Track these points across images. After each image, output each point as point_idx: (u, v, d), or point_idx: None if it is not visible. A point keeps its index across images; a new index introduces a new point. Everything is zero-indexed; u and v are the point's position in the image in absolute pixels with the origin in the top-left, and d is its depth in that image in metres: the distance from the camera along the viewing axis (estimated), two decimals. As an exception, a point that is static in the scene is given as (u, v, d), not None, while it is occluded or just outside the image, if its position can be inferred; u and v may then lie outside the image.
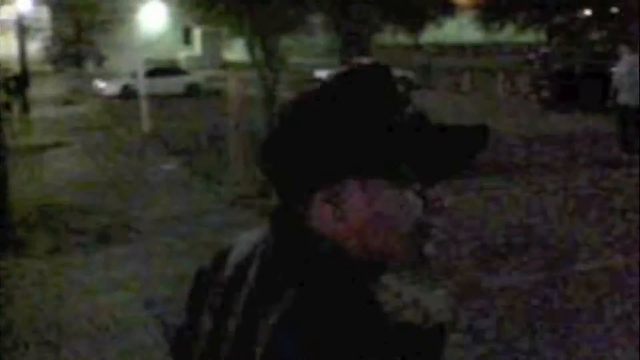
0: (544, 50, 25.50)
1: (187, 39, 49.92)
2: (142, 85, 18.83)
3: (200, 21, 35.32)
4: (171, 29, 48.08)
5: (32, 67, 30.32)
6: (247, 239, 1.12)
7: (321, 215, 1.02)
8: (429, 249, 1.06)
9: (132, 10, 45.79)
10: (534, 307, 5.74)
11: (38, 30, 40.94)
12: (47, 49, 43.95)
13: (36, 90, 27.40)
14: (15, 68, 25.30)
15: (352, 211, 1.01)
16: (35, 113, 23.19)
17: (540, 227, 8.15)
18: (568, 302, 5.86)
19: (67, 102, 26.88)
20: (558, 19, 42.39)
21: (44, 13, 43.03)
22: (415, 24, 47.01)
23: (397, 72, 33.93)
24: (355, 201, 1.01)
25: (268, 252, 1.04)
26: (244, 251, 1.09)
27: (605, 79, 14.58)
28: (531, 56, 27.27)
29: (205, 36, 47.13)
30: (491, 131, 1.06)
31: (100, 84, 29.80)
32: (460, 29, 53.63)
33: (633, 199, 9.16)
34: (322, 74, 34.44)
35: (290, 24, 36.89)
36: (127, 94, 26.53)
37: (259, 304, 0.99)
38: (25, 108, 23.61)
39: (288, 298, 0.95)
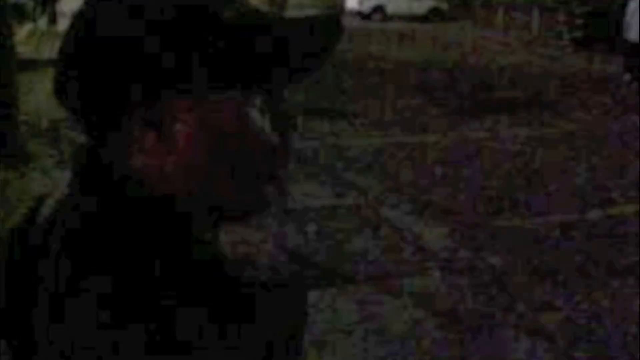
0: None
1: None
2: None
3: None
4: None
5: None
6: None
7: (136, 146, 0.77)
8: (270, 188, 0.83)
9: None
10: (538, 252, 5.66)
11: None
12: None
13: (65, 3, 27.21)
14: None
15: (179, 137, 0.77)
16: (62, 26, 23.07)
17: (552, 169, 8.01)
18: (574, 249, 5.77)
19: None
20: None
21: None
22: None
23: (430, 2, 33.29)
24: (184, 122, 0.77)
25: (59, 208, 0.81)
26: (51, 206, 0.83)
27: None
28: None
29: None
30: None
31: None
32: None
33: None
34: (353, 1, 33.84)
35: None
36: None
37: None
38: (53, 20, 23.50)
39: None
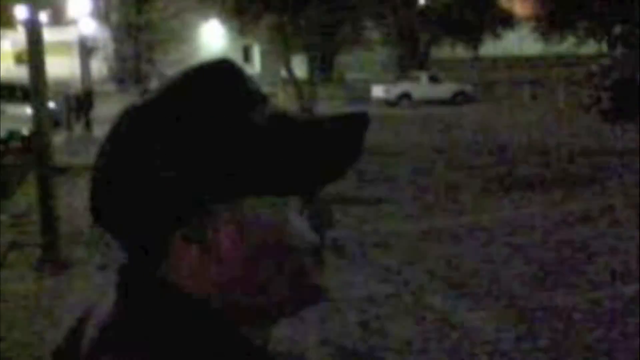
0: (605, 61, 24.89)
1: (246, 56, 50.46)
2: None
3: (258, 38, 35.55)
4: (231, 47, 48.69)
5: (96, 87, 31.01)
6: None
7: (181, 262, 0.77)
8: (318, 277, 0.82)
9: (192, 28, 46.52)
10: (586, 330, 5.53)
11: (98, 49, 41.89)
12: (110, 68, 44.92)
13: (99, 109, 27.96)
14: (79, 88, 25.93)
15: (224, 250, 0.76)
16: (98, 132, 23.63)
17: (598, 244, 7.89)
18: (620, 325, 5.63)
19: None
20: (618, 29, 41.44)
21: (106, 33, 44.02)
22: (474, 37, 46.58)
23: (455, 86, 33.68)
24: (227, 235, 0.76)
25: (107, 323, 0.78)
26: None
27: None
28: (593, 67, 26.75)
29: (264, 54, 47.56)
30: (369, 121, 0.82)
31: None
32: (519, 41, 52.90)
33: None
34: (379, 89, 34.36)
35: (347, 41, 36.96)
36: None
37: None
38: (88, 127, 24.13)
39: None
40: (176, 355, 0.74)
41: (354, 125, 0.81)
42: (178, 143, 0.75)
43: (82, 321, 0.83)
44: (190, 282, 0.77)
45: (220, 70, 0.80)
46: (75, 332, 0.82)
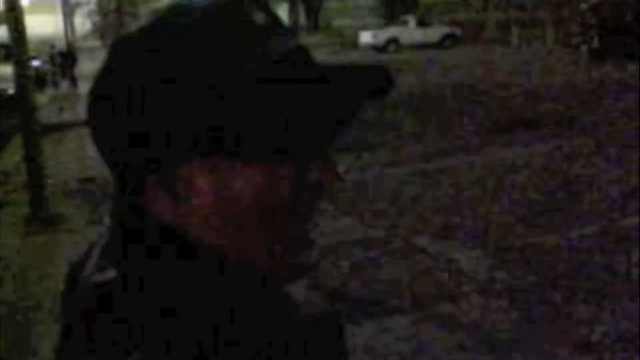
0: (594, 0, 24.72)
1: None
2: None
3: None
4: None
5: (80, 43, 30.67)
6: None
7: (156, 204, 0.74)
8: (308, 255, 0.77)
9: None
10: (577, 267, 5.55)
11: (81, 4, 41.38)
12: (94, 24, 44.45)
13: (84, 65, 27.70)
14: (63, 45, 25.65)
15: (195, 201, 0.72)
16: (83, 88, 23.47)
17: (586, 182, 7.91)
18: (614, 261, 5.66)
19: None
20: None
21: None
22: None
23: (444, 29, 33.41)
24: (198, 187, 0.72)
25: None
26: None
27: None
28: (582, 6, 26.46)
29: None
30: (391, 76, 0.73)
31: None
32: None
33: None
34: (366, 35, 34.06)
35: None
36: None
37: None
38: (74, 83, 23.94)
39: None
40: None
41: (370, 76, 0.73)
42: (158, 79, 0.70)
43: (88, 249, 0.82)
44: (176, 222, 0.74)
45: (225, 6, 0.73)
46: (82, 262, 0.80)
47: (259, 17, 0.73)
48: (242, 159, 0.71)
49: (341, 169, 0.76)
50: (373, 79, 0.73)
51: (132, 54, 0.72)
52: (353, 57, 28.29)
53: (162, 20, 0.73)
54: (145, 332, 0.68)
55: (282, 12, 31.25)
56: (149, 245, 0.73)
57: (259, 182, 0.72)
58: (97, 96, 0.75)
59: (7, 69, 18.13)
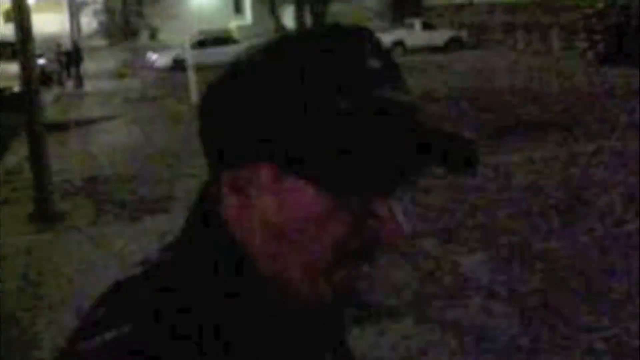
0: (600, 5, 24.67)
1: (237, 7, 49.94)
2: (190, 56, 19.01)
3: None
4: (221, -1, 48.18)
5: (86, 42, 30.72)
6: None
7: (226, 202, 0.78)
8: (352, 284, 0.78)
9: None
10: (580, 272, 5.53)
11: (87, 4, 41.44)
12: (100, 23, 44.49)
13: (90, 64, 27.76)
14: (68, 43, 25.69)
15: (254, 203, 0.76)
16: (88, 87, 23.50)
17: (590, 187, 7.88)
18: (617, 266, 5.63)
19: (120, 75, 27.14)
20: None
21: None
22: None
23: (449, 32, 33.38)
24: (263, 194, 0.75)
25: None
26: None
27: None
28: (589, 11, 26.53)
29: (255, 4, 47.07)
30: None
31: (152, 56, 30.04)
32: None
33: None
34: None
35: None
36: (178, 65, 26.65)
37: None
38: (79, 82, 23.97)
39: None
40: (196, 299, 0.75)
41: (459, 152, 0.73)
42: (261, 97, 0.74)
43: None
44: (229, 222, 0.78)
45: (345, 43, 0.75)
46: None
47: (374, 63, 0.75)
48: (307, 178, 0.73)
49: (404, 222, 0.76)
50: (459, 157, 0.73)
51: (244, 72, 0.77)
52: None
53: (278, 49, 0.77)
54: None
55: (288, 16, 31.31)
56: (209, 254, 0.78)
57: (317, 206, 0.73)
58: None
59: (12, 67, 18.22)
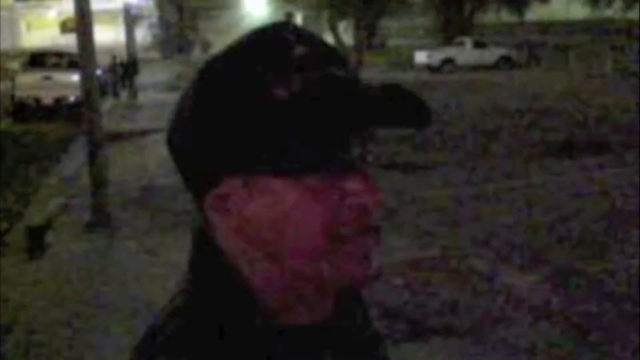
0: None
1: (289, 23, 50.41)
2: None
3: (302, 5, 35.35)
4: (274, 14, 48.59)
5: (140, 55, 31.24)
6: None
7: (214, 227, 0.81)
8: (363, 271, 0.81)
9: (235, -5, 46.46)
10: (635, 294, 5.47)
11: (143, 17, 42.14)
12: (154, 36, 45.21)
13: (144, 77, 28.22)
14: (124, 56, 26.16)
15: (241, 220, 0.78)
16: (142, 98, 23.88)
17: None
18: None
19: (174, 88, 27.51)
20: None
21: (150, 1, 44.23)
22: (519, 1, 45.72)
23: (500, 51, 33.19)
24: (240, 205, 0.77)
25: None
26: None
27: None
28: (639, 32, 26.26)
29: (306, 20, 47.35)
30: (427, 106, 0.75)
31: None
32: (567, 5, 51.82)
33: None
34: (421, 54, 34.02)
35: (390, 6, 36.63)
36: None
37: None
38: (134, 94, 24.37)
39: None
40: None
41: (407, 105, 0.75)
42: (211, 111, 0.77)
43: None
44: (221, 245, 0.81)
45: (264, 37, 0.78)
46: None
47: (299, 49, 0.77)
48: (272, 173, 0.75)
49: (381, 187, 0.79)
50: (403, 107, 0.75)
51: (200, 79, 0.80)
52: (407, 77, 28.21)
53: (228, 48, 0.80)
54: None
55: (340, 30, 31.39)
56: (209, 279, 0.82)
57: (291, 194, 0.75)
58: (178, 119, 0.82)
59: (68, 77, 18.60)
